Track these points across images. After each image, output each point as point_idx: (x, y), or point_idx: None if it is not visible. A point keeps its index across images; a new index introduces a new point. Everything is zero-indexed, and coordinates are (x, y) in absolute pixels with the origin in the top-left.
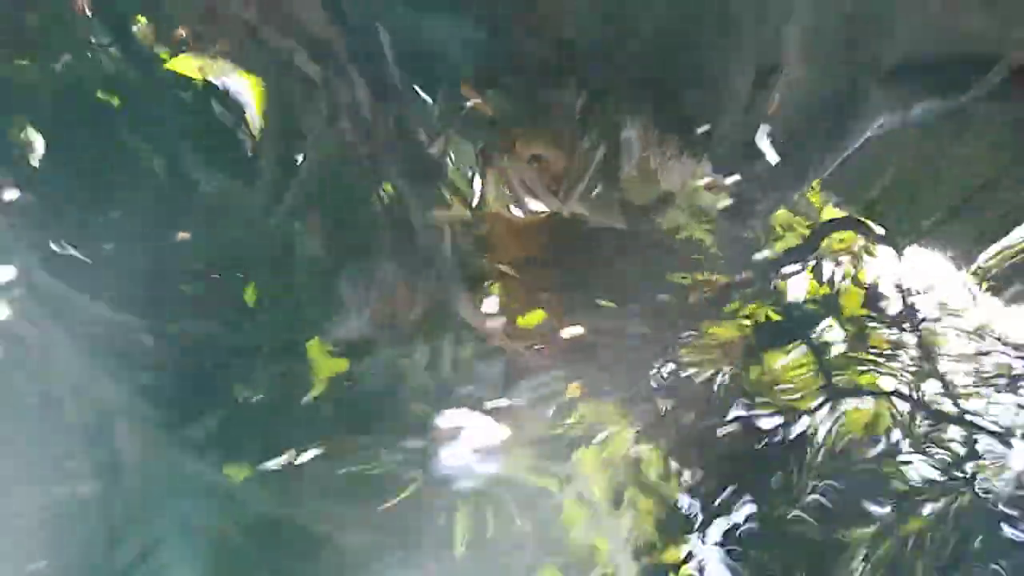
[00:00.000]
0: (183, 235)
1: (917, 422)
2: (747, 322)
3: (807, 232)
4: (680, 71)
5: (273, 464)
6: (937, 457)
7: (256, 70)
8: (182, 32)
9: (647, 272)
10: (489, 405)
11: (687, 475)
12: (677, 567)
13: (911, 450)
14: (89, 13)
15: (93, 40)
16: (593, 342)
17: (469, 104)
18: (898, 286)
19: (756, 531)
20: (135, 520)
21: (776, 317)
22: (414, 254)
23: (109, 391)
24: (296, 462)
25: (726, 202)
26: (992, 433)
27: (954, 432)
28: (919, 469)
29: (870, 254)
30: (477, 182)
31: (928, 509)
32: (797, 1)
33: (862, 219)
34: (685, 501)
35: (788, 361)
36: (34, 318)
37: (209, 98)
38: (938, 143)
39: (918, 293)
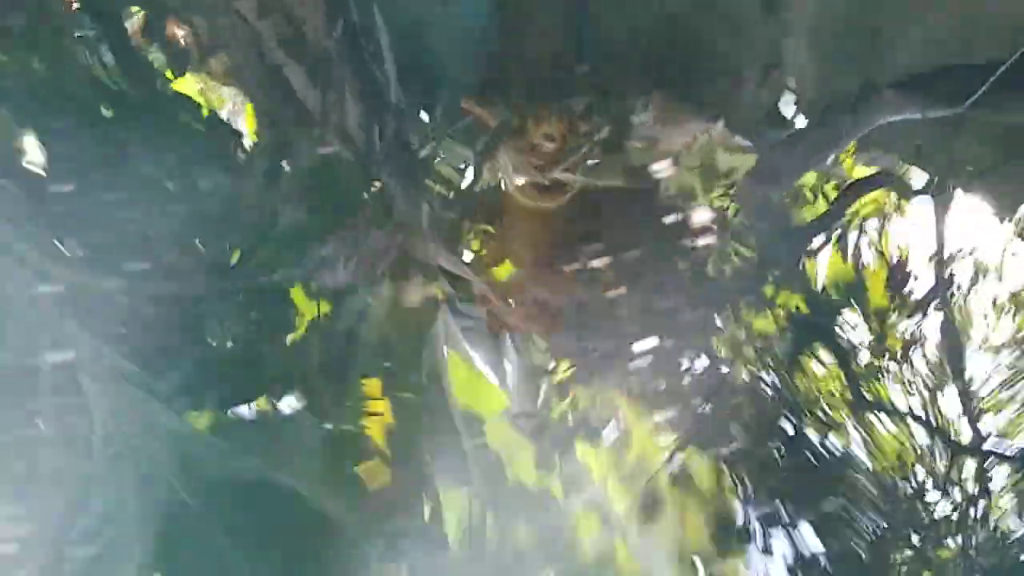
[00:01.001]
0: None
1: (937, 455)
2: (781, 312)
3: (835, 195)
4: (691, 51)
5: (248, 411)
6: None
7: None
8: (180, 36)
9: (659, 241)
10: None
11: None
12: None
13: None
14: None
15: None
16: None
17: (467, 120)
18: (931, 251)
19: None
20: (100, 480)
21: (804, 309)
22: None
23: (80, 342)
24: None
25: (750, 163)
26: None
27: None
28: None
29: (901, 212)
30: (469, 171)
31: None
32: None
33: (893, 173)
34: (740, 514)
35: (821, 370)
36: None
37: (211, 123)
38: None
39: (952, 258)
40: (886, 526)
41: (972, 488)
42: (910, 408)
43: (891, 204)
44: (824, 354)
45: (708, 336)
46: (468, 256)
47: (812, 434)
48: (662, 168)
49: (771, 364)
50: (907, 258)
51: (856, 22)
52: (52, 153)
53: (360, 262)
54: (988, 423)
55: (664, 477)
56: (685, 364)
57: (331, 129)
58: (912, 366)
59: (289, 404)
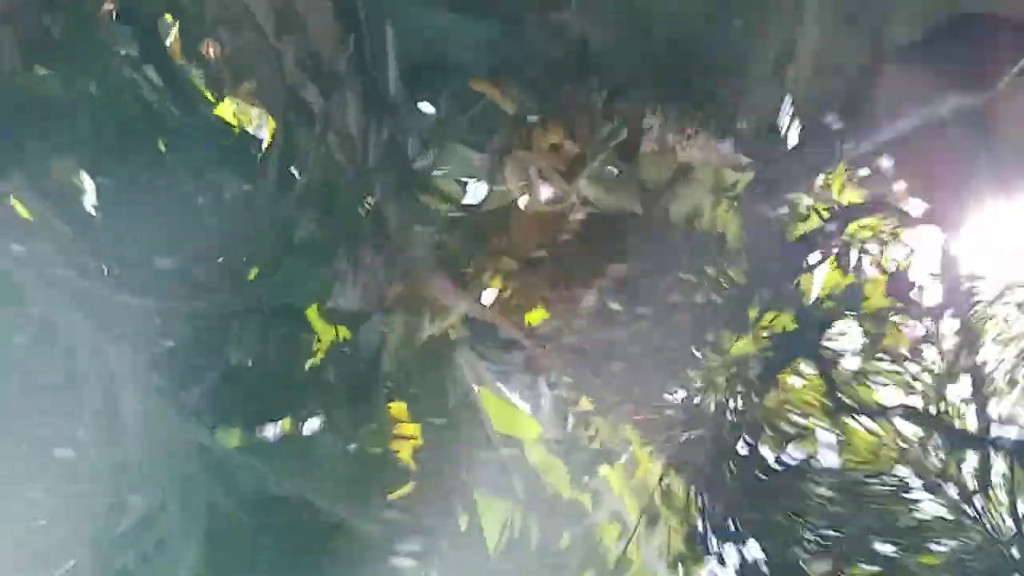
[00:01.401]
0: None
1: (930, 449)
2: (764, 334)
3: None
4: (699, 56)
5: (271, 432)
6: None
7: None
8: (211, 50)
9: (660, 269)
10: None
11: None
12: None
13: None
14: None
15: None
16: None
17: (477, 107)
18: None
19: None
20: (136, 489)
21: (792, 326)
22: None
23: (116, 359)
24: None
25: (748, 178)
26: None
27: (970, 459)
28: (928, 508)
29: (898, 239)
30: (472, 184)
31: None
32: None
33: (888, 203)
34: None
35: (800, 381)
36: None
37: (243, 143)
38: None
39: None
40: (838, 535)
41: (971, 483)
42: (901, 405)
43: (888, 232)
44: (805, 366)
45: (686, 368)
46: (489, 296)
47: (766, 450)
48: (678, 185)
49: (739, 388)
50: (908, 268)
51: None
52: (98, 179)
53: (368, 287)
54: (994, 409)
55: (658, 494)
56: (667, 396)
57: (330, 129)
58: (917, 361)
59: (311, 426)
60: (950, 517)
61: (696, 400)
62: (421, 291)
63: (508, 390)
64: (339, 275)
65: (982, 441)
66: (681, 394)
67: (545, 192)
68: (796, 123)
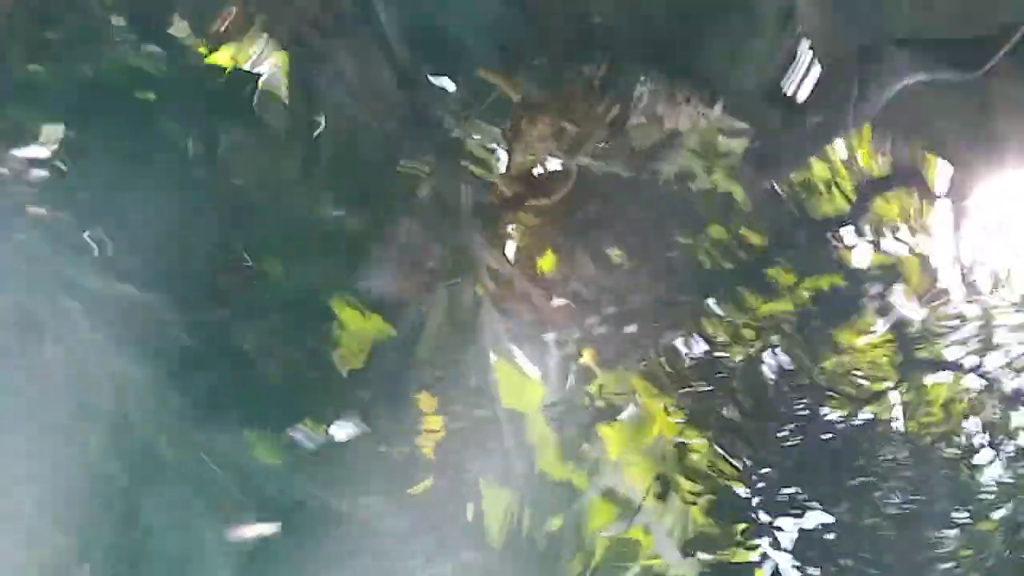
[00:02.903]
0: None
1: (985, 401)
2: (805, 294)
3: (852, 194)
4: (697, 26)
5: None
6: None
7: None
8: (221, 23)
9: (660, 226)
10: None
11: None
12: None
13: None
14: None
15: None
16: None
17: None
18: (954, 252)
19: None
20: (160, 506)
21: (841, 283)
22: (435, 211)
23: (135, 372)
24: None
25: (744, 144)
26: None
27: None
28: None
29: (924, 216)
30: (501, 152)
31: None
32: None
33: (917, 172)
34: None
35: (865, 340)
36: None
37: (241, 83)
38: None
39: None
40: (914, 499)
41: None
42: (962, 363)
43: (915, 208)
44: (870, 324)
45: (701, 321)
46: (511, 248)
47: (830, 411)
48: (664, 150)
49: (783, 344)
50: (931, 254)
51: None
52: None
53: (409, 265)
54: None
55: (672, 455)
56: (683, 349)
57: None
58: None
59: (344, 429)
60: (1009, 479)
61: (721, 354)
62: (458, 249)
63: (520, 352)
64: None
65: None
66: (701, 346)
67: (551, 164)
68: (807, 79)
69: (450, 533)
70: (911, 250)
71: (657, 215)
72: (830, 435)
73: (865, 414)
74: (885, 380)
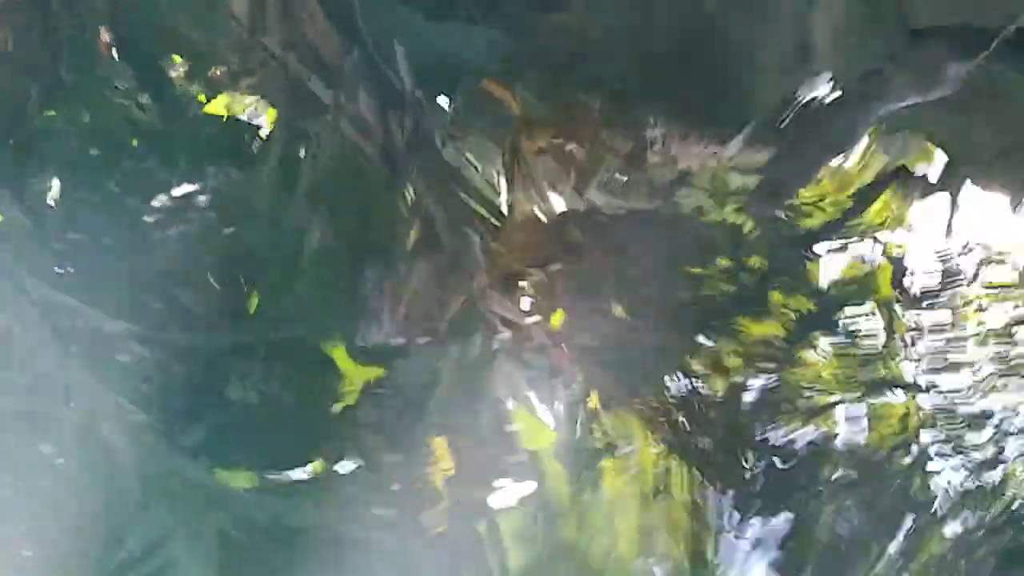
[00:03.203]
0: None
1: (941, 423)
2: (791, 315)
3: (847, 203)
4: (705, 70)
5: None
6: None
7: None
8: (218, 72)
9: (674, 263)
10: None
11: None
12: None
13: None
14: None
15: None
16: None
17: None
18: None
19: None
20: (135, 521)
21: (812, 307)
22: (441, 255)
23: (102, 397)
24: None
25: (755, 180)
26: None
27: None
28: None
29: (905, 221)
30: (503, 184)
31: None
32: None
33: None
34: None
35: (823, 357)
36: (30, 326)
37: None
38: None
39: (960, 253)
40: (867, 514)
41: (988, 452)
42: (915, 381)
43: (898, 210)
44: (825, 341)
45: (684, 356)
46: (526, 303)
47: (789, 430)
48: (676, 187)
49: (765, 367)
50: (907, 254)
51: None
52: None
53: (413, 311)
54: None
55: (654, 483)
56: (668, 384)
57: (344, 116)
58: (919, 347)
59: (345, 467)
60: (969, 487)
61: (698, 385)
62: (479, 305)
63: (535, 399)
64: (364, 301)
65: (985, 419)
66: (682, 381)
67: (556, 203)
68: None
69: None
70: (886, 253)
71: (666, 250)
72: (787, 451)
73: (814, 429)
74: (834, 395)
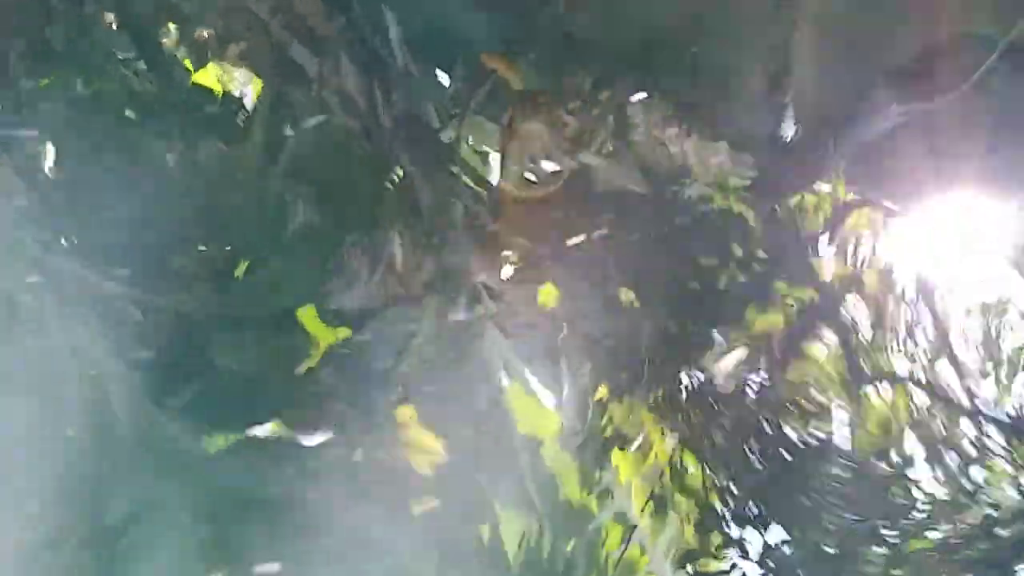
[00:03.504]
0: None
1: (933, 413)
2: (793, 305)
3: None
4: (689, 61)
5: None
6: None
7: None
8: (205, 33)
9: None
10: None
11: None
12: None
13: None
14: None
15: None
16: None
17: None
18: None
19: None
20: (124, 482)
21: (815, 298)
22: (422, 226)
23: (102, 357)
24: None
25: (749, 177)
26: (1003, 425)
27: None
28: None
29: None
30: (494, 158)
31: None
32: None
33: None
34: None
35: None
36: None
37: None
38: None
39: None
40: (855, 518)
41: (970, 451)
42: (911, 373)
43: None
44: (827, 334)
45: (702, 349)
46: (508, 271)
47: (790, 430)
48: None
49: (766, 362)
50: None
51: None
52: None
53: (386, 278)
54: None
55: (668, 475)
56: (684, 379)
57: (328, 89)
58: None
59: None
60: (948, 496)
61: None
62: (460, 271)
63: (533, 377)
64: (343, 268)
65: (976, 413)
66: (697, 376)
67: (549, 166)
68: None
69: (460, 553)
70: (872, 261)
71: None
72: (786, 450)
73: (814, 429)
74: (830, 393)
